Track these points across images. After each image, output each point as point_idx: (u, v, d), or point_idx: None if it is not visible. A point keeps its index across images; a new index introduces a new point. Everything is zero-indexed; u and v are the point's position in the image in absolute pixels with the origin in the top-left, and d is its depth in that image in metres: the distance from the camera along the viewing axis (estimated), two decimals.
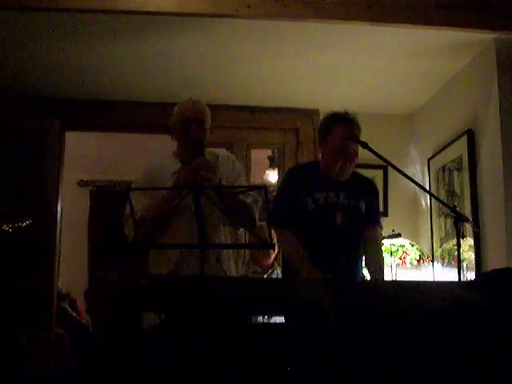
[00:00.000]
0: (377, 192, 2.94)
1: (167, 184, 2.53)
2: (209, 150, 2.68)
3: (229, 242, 2.65)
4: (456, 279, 2.56)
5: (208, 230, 2.35)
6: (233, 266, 2.62)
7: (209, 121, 2.67)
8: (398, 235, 3.99)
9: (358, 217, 2.75)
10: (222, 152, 2.81)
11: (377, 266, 2.75)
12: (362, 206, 2.77)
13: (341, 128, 2.70)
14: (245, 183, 2.74)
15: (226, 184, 2.54)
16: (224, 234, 2.61)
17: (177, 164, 2.60)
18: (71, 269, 5.63)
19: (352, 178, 2.82)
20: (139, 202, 2.57)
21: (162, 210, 2.50)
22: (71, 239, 5.69)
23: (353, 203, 2.75)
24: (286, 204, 2.74)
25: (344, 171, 2.74)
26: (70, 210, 5.38)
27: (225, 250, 2.57)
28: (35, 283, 4.04)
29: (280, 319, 3.08)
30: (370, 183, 2.93)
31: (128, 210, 2.61)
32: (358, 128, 2.73)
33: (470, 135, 3.68)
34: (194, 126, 2.58)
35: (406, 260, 3.99)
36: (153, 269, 2.61)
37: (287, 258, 2.80)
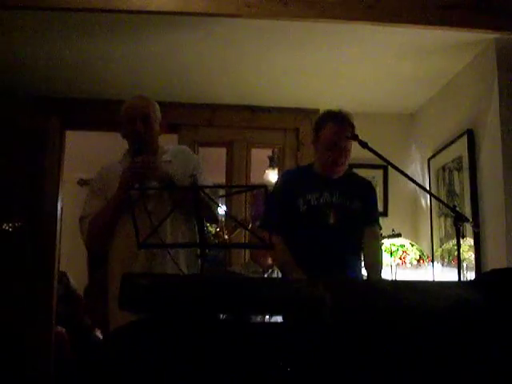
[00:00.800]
0: (374, 192, 2.91)
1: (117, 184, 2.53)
2: (161, 145, 2.68)
3: (187, 239, 2.59)
4: (456, 279, 2.56)
5: (158, 229, 2.33)
6: (183, 266, 2.50)
7: (156, 114, 2.65)
8: (398, 235, 3.99)
9: (353, 217, 2.73)
10: (176, 147, 2.78)
11: (374, 267, 2.73)
12: (357, 206, 2.75)
13: (331, 124, 2.72)
14: (202, 174, 2.66)
15: (177, 177, 2.50)
16: (181, 232, 2.56)
17: (128, 163, 2.59)
18: (71, 268, 5.62)
19: (348, 178, 2.81)
20: (91, 205, 2.61)
21: (108, 212, 2.52)
22: (71, 239, 5.68)
23: (346, 203, 2.73)
24: (278, 209, 2.72)
25: (336, 165, 2.73)
26: (70, 209, 5.36)
27: (173, 250, 2.47)
28: (35, 283, 4.04)
29: (280, 319, 3.07)
30: (366, 184, 2.91)
31: (86, 211, 2.63)
32: (351, 125, 2.73)
33: (470, 135, 3.68)
34: (138, 123, 2.57)
35: (405, 260, 3.99)
36: (109, 266, 2.64)
37: (277, 266, 2.79)
